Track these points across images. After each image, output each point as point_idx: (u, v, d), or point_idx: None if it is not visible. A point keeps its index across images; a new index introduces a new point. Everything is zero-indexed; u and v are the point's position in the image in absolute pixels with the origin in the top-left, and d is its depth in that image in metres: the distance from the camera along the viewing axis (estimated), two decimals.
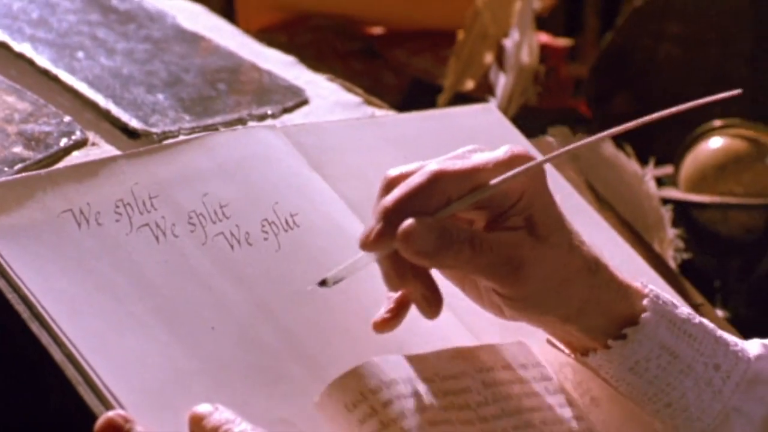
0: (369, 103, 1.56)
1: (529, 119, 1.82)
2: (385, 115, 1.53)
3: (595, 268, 1.12)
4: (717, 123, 2.13)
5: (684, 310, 1.15)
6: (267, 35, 1.90)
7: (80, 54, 1.49)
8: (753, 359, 1.16)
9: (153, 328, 1.03)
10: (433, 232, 1.04)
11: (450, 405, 1.06)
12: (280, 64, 1.61)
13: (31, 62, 1.42)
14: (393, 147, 1.32)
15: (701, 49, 2.23)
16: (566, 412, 1.12)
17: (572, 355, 1.16)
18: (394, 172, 1.08)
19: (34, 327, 0.98)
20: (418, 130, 1.38)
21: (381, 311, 1.09)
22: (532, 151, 1.37)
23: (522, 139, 1.47)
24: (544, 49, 2.19)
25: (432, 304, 1.09)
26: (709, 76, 2.23)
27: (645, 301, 1.12)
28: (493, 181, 1.06)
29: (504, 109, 1.90)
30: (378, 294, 1.12)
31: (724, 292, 2.10)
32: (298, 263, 1.12)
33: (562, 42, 2.41)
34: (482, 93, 1.98)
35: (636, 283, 1.14)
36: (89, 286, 1.03)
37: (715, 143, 2.13)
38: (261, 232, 1.12)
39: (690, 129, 2.15)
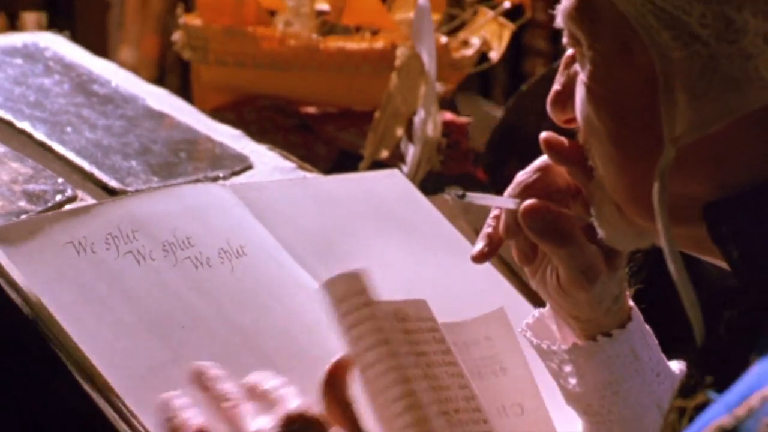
0: (302, 168, 1.63)
1: (434, 182, 1.87)
2: (314, 177, 1.61)
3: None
4: None
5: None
6: (219, 113, 1.91)
7: (69, 129, 1.56)
8: (677, 373, 1.23)
9: (136, 329, 1.14)
10: (546, 218, 1.14)
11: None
12: (230, 137, 1.67)
13: (30, 136, 1.50)
14: (318, 202, 1.44)
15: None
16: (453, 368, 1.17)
17: (553, 345, 1.20)
18: (545, 136, 1.14)
19: (46, 331, 1.09)
20: (339, 189, 1.49)
21: (478, 246, 1.20)
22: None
23: (420, 197, 1.56)
24: (448, 125, 2.20)
25: (526, 258, 1.19)
26: None
27: (633, 314, 1.20)
28: None
29: (413, 174, 1.93)
30: (297, 310, 1.24)
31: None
32: (246, 280, 1.26)
33: (464, 119, 2.37)
34: (396, 161, 1.98)
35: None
36: (87, 299, 1.14)
37: None
38: (218, 258, 1.25)
39: None
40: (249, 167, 1.58)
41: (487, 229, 1.20)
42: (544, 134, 1.11)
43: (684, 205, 0.95)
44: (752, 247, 0.92)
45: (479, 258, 1.22)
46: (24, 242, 1.15)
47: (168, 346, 1.15)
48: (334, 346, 1.18)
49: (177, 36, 2.29)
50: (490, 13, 2.31)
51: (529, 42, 3.34)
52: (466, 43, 2.32)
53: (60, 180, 1.41)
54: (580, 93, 1.01)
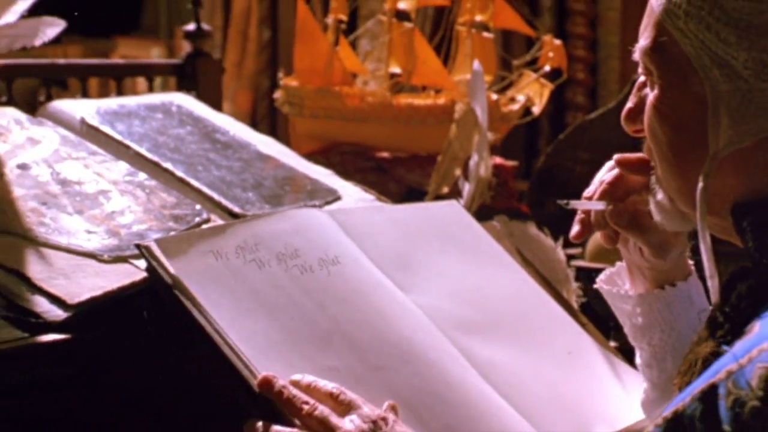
0: (379, 199, 1.71)
1: (485, 213, 1.96)
2: (390, 205, 1.67)
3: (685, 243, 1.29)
4: None
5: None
6: (311, 157, 1.93)
7: (200, 168, 1.63)
8: None
9: (257, 315, 1.23)
10: (625, 215, 1.25)
11: None
12: (322, 175, 1.74)
13: (172, 174, 1.58)
14: (393, 224, 1.50)
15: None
16: None
17: (629, 291, 1.29)
18: (617, 157, 1.26)
19: (194, 312, 1.20)
20: (410, 215, 1.55)
21: (575, 229, 1.31)
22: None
23: (474, 223, 1.60)
24: (498, 167, 2.27)
25: (612, 240, 1.29)
26: None
27: (690, 266, 1.30)
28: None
29: (468, 206, 1.96)
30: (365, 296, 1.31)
31: (615, 330, 1.97)
32: (339, 283, 1.33)
33: (511, 163, 2.44)
34: (454, 196, 1.96)
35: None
36: (222, 293, 1.23)
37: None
38: (318, 265, 1.32)
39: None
40: (338, 198, 1.64)
41: (580, 216, 1.32)
42: (616, 156, 1.26)
43: (718, 201, 1.06)
44: (765, 239, 1.04)
45: (577, 237, 1.33)
46: (177, 250, 1.24)
47: (280, 329, 1.23)
48: (408, 334, 1.30)
49: (278, 94, 2.39)
50: (533, 75, 2.41)
51: (570, 98, 3.34)
52: (513, 100, 2.41)
53: (197, 206, 1.50)
54: (648, 110, 1.10)
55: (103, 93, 1.93)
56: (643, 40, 1.09)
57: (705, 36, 1.03)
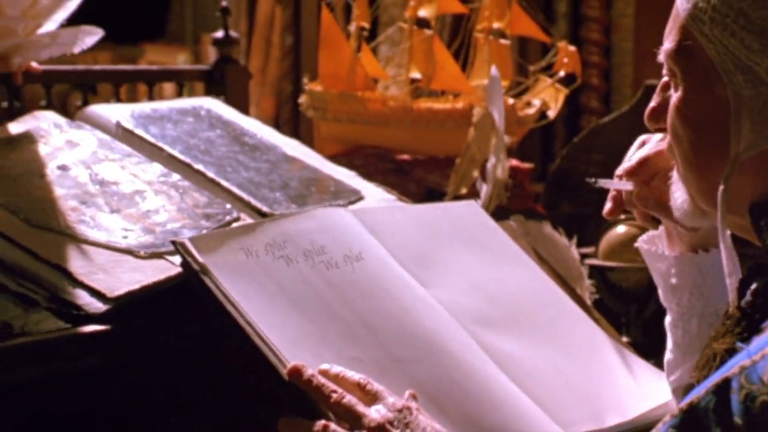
0: (400, 199, 1.73)
1: (502, 213, 1.97)
2: (410, 205, 1.67)
3: None
4: (622, 216, 2.02)
5: None
6: (334, 159, 1.92)
7: (230, 169, 1.64)
8: None
9: (285, 307, 1.26)
10: (651, 198, 1.23)
11: None
12: (345, 176, 1.76)
13: (204, 175, 1.60)
14: (414, 223, 1.52)
15: (615, 170, 2.03)
16: None
17: (666, 252, 1.27)
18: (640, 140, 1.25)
19: (226, 303, 1.22)
20: (430, 214, 1.57)
21: (608, 206, 1.29)
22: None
23: (491, 222, 1.63)
24: (514, 169, 2.28)
25: (646, 219, 1.28)
26: None
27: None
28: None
29: (486, 206, 1.97)
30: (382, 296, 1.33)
31: (627, 326, 2.09)
32: (363, 277, 1.35)
33: (527, 165, 2.45)
34: (472, 197, 1.96)
35: None
36: (253, 287, 1.26)
37: (621, 229, 2.15)
38: (343, 261, 1.35)
39: (605, 220, 2.10)
40: (361, 198, 1.67)
41: (613, 194, 1.31)
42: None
43: (737, 201, 1.06)
44: None
45: (609, 214, 1.32)
46: (210, 247, 1.27)
47: (307, 321, 1.26)
48: (429, 327, 1.32)
49: (302, 99, 2.42)
50: (549, 80, 2.43)
51: (585, 102, 3.34)
52: (528, 104, 2.43)
53: (228, 206, 1.53)
54: (671, 111, 1.09)
55: (131, 98, 1.94)
56: (668, 42, 1.09)
57: (729, 42, 1.03)
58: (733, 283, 1.05)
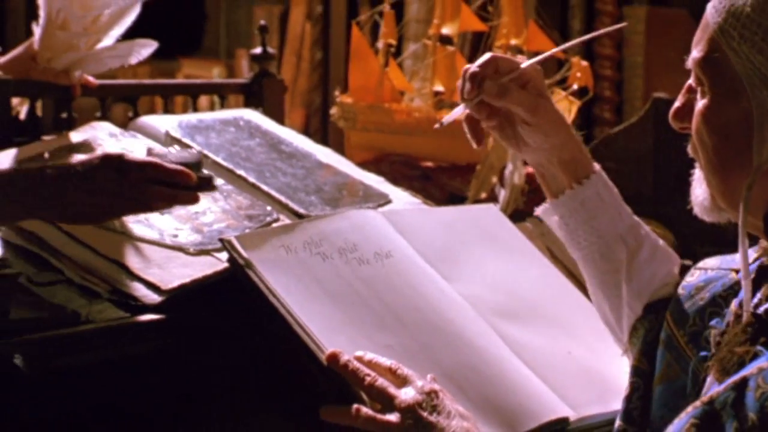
0: (425, 203, 1.74)
1: (519, 216, 1.96)
2: (435, 208, 1.71)
3: (570, 127, 1.28)
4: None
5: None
6: (364, 166, 1.94)
7: (268, 175, 1.68)
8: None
9: (321, 299, 1.29)
10: (497, 85, 1.24)
11: None
12: (374, 181, 1.79)
13: (245, 180, 1.65)
14: (439, 223, 1.54)
15: (624, 177, 2.01)
16: None
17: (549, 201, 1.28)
18: (471, 66, 1.25)
19: (268, 294, 1.27)
20: (453, 216, 1.60)
21: (471, 141, 1.28)
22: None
23: (509, 224, 1.64)
24: (530, 176, 2.16)
25: (477, 136, 1.27)
26: (630, 194, 1.95)
27: (596, 167, 1.29)
28: (523, 65, 1.27)
29: (504, 210, 1.97)
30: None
31: None
32: (392, 273, 1.38)
33: None
34: (491, 201, 2.03)
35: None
36: (292, 281, 1.30)
37: None
38: (374, 258, 1.38)
39: None
40: (389, 201, 1.70)
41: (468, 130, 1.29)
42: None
43: (755, 202, 1.06)
44: None
45: (478, 144, 1.31)
46: (254, 244, 1.32)
47: (342, 311, 1.30)
48: (452, 317, 1.35)
49: (334, 110, 2.47)
50: (563, 93, 2.46)
51: (598, 113, 3.36)
52: None
53: (268, 208, 1.57)
54: (697, 117, 1.09)
55: (169, 109, 2.01)
56: (697, 52, 1.08)
57: (757, 59, 1.03)
58: (747, 284, 1.06)
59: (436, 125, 1.31)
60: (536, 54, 2.84)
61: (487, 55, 1.27)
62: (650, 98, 2.47)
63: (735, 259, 1.22)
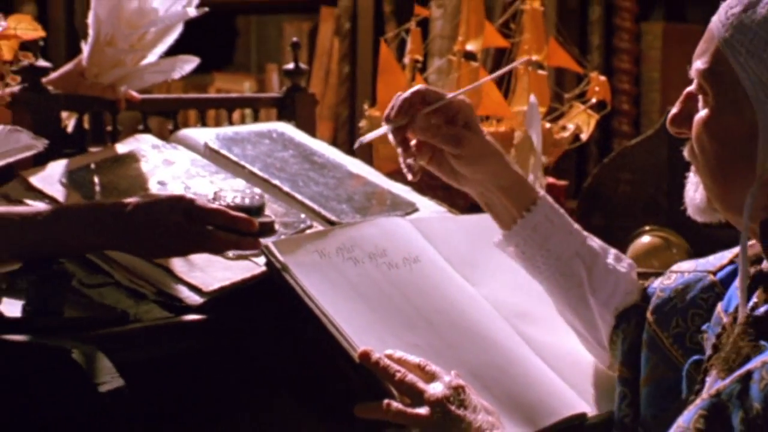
0: (450, 211, 1.77)
1: None
2: (460, 216, 1.72)
3: (503, 156, 1.30)
4: (647, 228, 2.18)
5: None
6: (391, 176, 1.89)
7: (302, 184, 1.69)
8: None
9: (353, 300, 1.33)
10: (423, 118, 1.28)
11: None
12: (402, 191, 1.80)
13: (280, 189, 1.66)
14: (463, 230, 1.58)
15: (641, 187, 2.21)
16: None
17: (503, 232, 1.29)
18: (402, 95, 1.28)
19: (303, 296, 1.30)
20: (477, 223, 1.60)
21: (409, 176, 1.33)
22: None
23: None
24: (550, 186, 2.29)
25: (413, 170, 1.33)
26: (644, 203, 2.22)
27: (539, 192, 1.32)
28: (449, 96, 1.29)
29: None
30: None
31: None
32: (420, 277, 1.41)
33: (562, 182, 2.46)
34: None
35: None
36: (325, 284, 1.33)
37: (645, 239, 2.18)
38: (402, 263, 1.41)
39: (632, 231, 2.21)
40: (416, 210, 1.71)
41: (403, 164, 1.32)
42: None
43: (756, 214, 1.07)
44: None
45: (414, 177, 1.36)
46: (290, 249, 1.36)
47: (372, 313, 1.33)
48: (476, 319, 1.38)
49: (362, 123, 2.51)
50: (582, 107, 2.47)
51: (617, 126, 3.36)
52: (564, 128, 2.46)
53: (302, 215, 1.59)
54: (699, 125, 1.08)
55: (203, 122, 2.06)
56: (702, 63, 1.08)
57: (763, 74, 1.03)
58: (743, 289, 1.08)
59: (356, 144, 1.35)
60: (557, 69, 2.91)
61: (416, 87, 1.31)
62: (665, 112, 2.52)
63: (709, 261, 1.24)
